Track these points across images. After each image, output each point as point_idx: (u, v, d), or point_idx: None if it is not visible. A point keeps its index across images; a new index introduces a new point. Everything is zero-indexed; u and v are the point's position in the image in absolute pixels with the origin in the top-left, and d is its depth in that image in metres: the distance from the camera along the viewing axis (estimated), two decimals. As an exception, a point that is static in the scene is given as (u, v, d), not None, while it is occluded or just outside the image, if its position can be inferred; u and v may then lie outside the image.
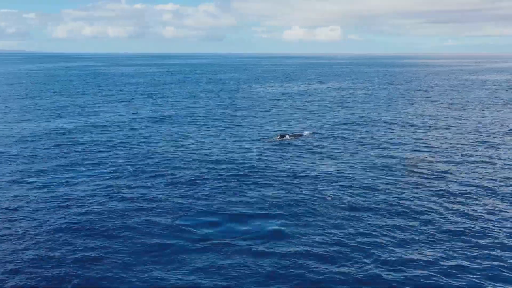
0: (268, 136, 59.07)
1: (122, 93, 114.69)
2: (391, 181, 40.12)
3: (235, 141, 56.86)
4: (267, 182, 39.79)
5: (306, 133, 60.37)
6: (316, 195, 36.23)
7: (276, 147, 53.43)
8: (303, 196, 36.03)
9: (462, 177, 41.67)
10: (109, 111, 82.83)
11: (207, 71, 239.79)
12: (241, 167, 44.08)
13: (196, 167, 44.21)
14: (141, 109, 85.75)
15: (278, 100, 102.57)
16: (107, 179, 40.66)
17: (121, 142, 55.51)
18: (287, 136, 57.65)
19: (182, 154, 49.67)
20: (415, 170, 44.42)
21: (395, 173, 43.10)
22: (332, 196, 35.74)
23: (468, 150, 51.75)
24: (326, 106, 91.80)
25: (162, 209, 33.56)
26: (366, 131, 62.96)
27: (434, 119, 73.75)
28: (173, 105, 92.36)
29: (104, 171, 43.18)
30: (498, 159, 48.12)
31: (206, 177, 41.06)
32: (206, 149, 52.01)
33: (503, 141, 56.99)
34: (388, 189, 37.84)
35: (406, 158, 48.45)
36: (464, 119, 74.09)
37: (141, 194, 36.66)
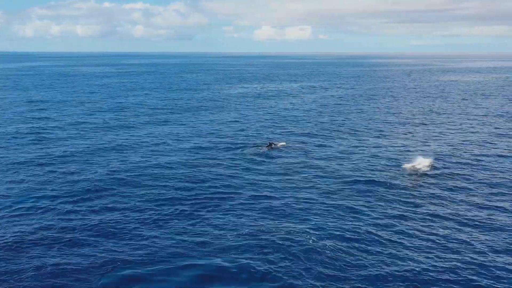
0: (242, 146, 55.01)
1: (73, 96, 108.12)
2: (401, 192, 36.67)
3: (202, 153, 52.45)
4: (241, 209, 35.44)
5: (281, 143, 55.77)
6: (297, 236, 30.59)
7: (256, 160, 49.27)
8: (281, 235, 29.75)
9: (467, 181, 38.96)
10: (50, 117, 76.11)
11: (174, 72, 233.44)
12: (210, 187, 39.79)
13: (151, 190, 39.28)
14: (90, 117, 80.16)
15: (248, 102, 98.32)
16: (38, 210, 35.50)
17: (53, 159, 49.95)
18: (264, 148, 53.39)
19: (136, 169, 44.98)
20: (416, 178, 42.00)
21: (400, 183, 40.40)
22: (312, 239, 28.73)
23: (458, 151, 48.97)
24: (301, 110, 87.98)
25: (87, 261, 26.26)
26: (345, 138, 59.52)
27: (412, 122, 70.98)
28: (128, 109, 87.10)
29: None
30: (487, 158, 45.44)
31: (163, 203, 35.77)
32: (167, 163, 47.43)
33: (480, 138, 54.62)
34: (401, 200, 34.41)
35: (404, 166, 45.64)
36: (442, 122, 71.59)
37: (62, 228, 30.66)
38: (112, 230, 30.09)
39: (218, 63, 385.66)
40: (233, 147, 54.31)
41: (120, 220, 31.47)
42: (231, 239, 28.51)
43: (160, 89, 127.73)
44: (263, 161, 47.86)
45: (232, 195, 36.86)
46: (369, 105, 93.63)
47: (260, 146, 54.54)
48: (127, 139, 58.43)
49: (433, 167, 44.40)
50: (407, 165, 44.95)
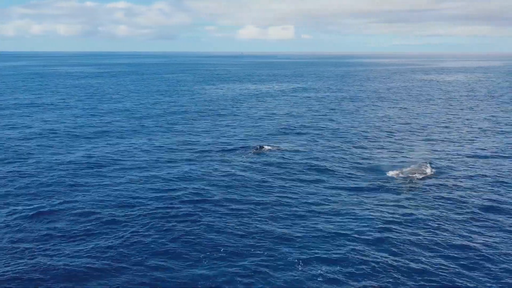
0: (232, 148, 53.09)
1: (43, 99, 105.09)
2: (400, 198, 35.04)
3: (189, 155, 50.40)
4: (219, 218, 33.62)
5: (268, 147, 53.81)
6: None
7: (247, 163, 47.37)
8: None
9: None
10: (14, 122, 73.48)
11: (154, 72, 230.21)
12: (192, 194, 37.85)
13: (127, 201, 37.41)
14: (63, 119, 77.55)
15: (231, 104, 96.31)
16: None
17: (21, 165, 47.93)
18: (250, 152, 51.66)
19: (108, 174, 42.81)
20: (412, 184, 40.59)
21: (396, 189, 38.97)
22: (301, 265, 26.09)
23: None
24: (285, 112, 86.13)
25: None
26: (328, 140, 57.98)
27: (400, 123, 69.79)
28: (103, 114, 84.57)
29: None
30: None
31: (135, 220, 33.96)
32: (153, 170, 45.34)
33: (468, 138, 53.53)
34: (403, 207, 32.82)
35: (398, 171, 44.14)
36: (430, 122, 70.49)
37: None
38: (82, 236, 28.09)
39: (200, 63, 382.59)
40: (217, 151, 52.40)
41: (94, 229, 29.48)
42: (205, 263, 26.39)
43: (139, 91, 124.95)
44: (250, 166, 46.05)
45: (211, 202, 35.01)
46: (353, 107, 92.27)
47: (246, 150, 52.73)
48: (100, 148, 56.05)
49: (420, 172, 42.84)
50: (392, 172, 43.47)
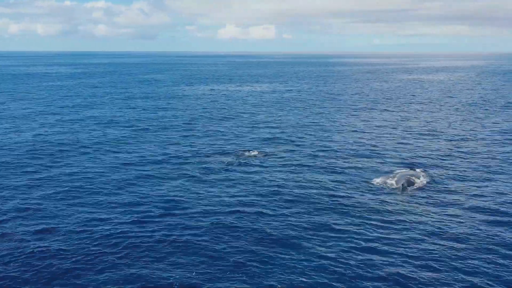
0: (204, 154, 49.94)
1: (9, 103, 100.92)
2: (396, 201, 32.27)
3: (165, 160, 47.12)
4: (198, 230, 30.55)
5: (253, 153, 50.72)
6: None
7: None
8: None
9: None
10: None
11: (130, 72, 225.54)
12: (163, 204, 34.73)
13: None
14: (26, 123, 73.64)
15: (212, 106, 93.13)
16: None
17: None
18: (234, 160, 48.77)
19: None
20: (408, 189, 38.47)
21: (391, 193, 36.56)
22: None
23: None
24: (268, 114, 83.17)
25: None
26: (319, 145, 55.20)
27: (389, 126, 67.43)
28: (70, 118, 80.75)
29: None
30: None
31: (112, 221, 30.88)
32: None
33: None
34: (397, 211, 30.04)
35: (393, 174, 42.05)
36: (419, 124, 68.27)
37: None
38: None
39: (180, 62, 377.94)
40: (197, 156, 49.43)
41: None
42: None
43: (113, 94, 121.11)
44: (233, 174, 43.17)
45: (192, 211, 31.99)
46: (335, 109, 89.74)
47: (229, 155, 49.77)
48: (62, 168, 52.46)
49: (408, 178, 40.25)
50: (378, 179, 40.89)
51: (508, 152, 51.66)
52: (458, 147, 54.23)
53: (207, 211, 33.60)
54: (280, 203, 35.25)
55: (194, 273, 24.56)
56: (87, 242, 28.22)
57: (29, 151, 51.15)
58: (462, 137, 60.50)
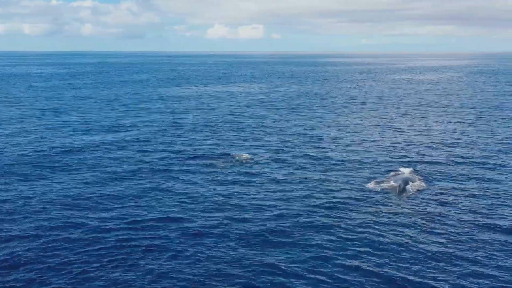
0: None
1: None
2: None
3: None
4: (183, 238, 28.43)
5: (244, 156, 48.37)
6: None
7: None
8: None
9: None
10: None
11: (120, 73, 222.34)
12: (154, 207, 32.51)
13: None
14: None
15: (198, 107, 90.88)
16: None
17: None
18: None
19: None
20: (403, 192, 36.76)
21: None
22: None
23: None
24: (257, 115, 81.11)
25: None
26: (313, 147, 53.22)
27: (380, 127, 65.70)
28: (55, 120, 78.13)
29: None
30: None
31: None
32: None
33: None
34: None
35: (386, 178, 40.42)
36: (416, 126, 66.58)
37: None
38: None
39: (168, 62, 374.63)
40: (186, 159, 47.42)
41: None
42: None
43: (97, 95, 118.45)
44: (225, 178, 41.24)
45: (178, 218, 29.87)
46: (324, 109, 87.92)
47: (217, 159, 47.64)
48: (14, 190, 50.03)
49: (402, 181, 38.40)
50: (371, 184, 39.05)
51: (501, 152, 50.13)
52: (451, 148, 52.56)
53: (195, 216, 31.55)
54: (270, 209, 33.23)
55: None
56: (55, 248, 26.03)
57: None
58: (455, 138, 58.87)
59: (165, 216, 32.15)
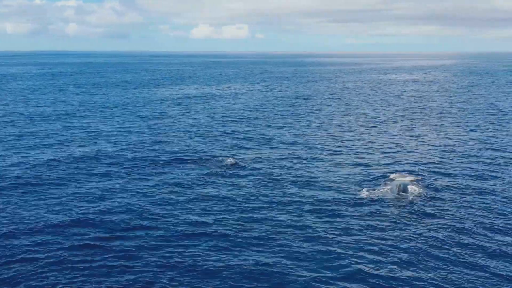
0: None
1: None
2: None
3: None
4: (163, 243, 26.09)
5: (229, 159, 46.36)
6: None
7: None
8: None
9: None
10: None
11: (102, 73, 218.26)
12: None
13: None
14: None
15: (182, 108, 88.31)
16: None
17: None
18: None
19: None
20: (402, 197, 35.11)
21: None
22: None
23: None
24: (242, 117, 78.72)
25: None
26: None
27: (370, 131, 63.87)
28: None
29: None
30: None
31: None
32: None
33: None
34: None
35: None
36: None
37: None
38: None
39: (152, 62, 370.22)
40: (168, 164, 45.04)
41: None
42: None
43: (78, 97, 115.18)
44: (209, 182, 39.18)
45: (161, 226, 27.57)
46: (311, 111, 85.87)
47: (200, 163, 45.36)
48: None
49: (396, 187, 36.51)
50: (365, 191, 37.06)
51: (490, 155, 48.60)
52: (444, 151, 50.93)
53: (179, 223, 29.31)
54: (258, 220, 31.09)
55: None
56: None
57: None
58: (447, 141, 57.29)
59: (139, 223, 29.90)
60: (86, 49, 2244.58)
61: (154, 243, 27.62)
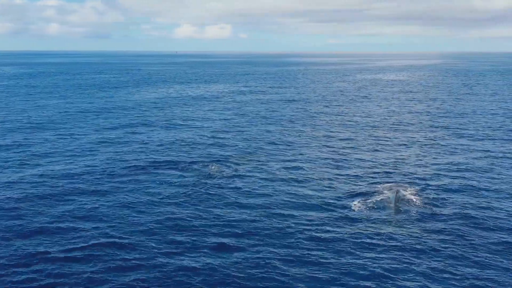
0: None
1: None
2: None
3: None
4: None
5: (214, 166, 43.65)
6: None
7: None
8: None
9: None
10: None
11: (82, 73, 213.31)
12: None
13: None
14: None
15: (162, 111, 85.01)
16: None
17: None
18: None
19: None
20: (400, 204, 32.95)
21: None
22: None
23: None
24: (226, 120, 75.70)
25: None
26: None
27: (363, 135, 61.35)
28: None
29: None
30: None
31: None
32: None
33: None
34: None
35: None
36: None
37: None
38: None
39: (134, 62, 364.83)
40: (150, 170, 42.30)
41: None
42: None
43: (52, 98, 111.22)
44: (193, 191, 36.43)
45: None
46: (295, 114, 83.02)
47: (182, 170, 42.48)
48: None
49: (391, 198, 33.95)
50: (357, 203, 34.39)
51: (486, 161, 46.40)
52: (435, 158, 48.64)
53: (163, 230, 26.33)
54: (240, 235, 28.25)
55: None
56: None
57: None
58: (440, 147, 55.03)
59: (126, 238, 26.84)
60: (67, 49, 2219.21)
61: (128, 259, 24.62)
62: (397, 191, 34.63)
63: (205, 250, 26.59)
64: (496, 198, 36.03)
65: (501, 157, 48.64)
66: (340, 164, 46.20)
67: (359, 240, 27.92)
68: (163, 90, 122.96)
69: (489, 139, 58.09)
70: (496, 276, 24.05)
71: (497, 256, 26.21)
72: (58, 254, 26.03)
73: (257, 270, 24.29)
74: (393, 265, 24.91)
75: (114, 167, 43.67)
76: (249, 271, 24.19)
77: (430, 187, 38.20)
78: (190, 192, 36.48)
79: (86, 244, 27.27)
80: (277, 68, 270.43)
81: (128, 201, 34.68)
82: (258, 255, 25.90)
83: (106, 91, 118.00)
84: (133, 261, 25.20)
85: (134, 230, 29.33)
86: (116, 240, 27.87)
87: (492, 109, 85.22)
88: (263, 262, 25.08)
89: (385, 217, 31.35)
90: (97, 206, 33.57)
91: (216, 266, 24.71)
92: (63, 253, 26.08)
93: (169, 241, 27.78)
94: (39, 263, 24.97)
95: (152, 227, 29.83)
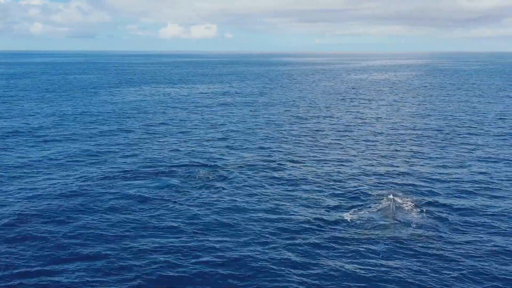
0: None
1: None
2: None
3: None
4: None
5: (203, 172, 41.26)
6: None
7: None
8: None
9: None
10: None
11: (67, 73, 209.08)
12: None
13: None
14: None
15: (148, 113, 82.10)
16: None
17: None
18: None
19: None
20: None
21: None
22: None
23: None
24: (213, 124, 73.04)
25: None
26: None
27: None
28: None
29: None
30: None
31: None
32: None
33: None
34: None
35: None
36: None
37: None
38: None
39: (118, 62, 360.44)
40: (139, 175, 40.32)
41: None
42: None
43: (33, 98, 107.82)
44: (183, 196, 34.72)
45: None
46: (282, 116, 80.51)
47: (168, 176, 40.18)
48: None
49: (386, 210, 31.79)
50: (349, 214, 32.10)
51: (479, 168, 44.45)
52: (429, 164, 46.61)
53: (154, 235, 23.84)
54: (223, 249, 25.82)
55: None
56: None
57: None
58: (432, 152, 53.08)
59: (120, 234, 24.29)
60: (52, 48, 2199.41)
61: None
62: (393, 199, 32.82)
63: (199, 253, 24.26)
64: (491, 202, 34.80)
65: (495, 161, 46.91)
66: (336, 168, 43.95)
67: (353, 248, 26.46)
68: (145, 90, 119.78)
69: (483, 143, 56.34)
70: (492, 281, 23.03)
71: (492, 261, 25.16)
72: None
73: (249, 273, 22.54)
74: (391, 272, 23.35)
75: (90, 176, 40.93)
76: (240, 274, 22.45)
77: (424, 194, 36.32)
78: (178, 198, 34.41)
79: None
80: (264, 68, 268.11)
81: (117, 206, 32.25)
82: (251, 259, 24.07)
83: (86, 92, 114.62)
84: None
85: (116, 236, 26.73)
86: (91, 250, 25.29)
87: (480, 111, 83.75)
88: (257, 265, 23.50)
89: (382, 223, 29.60)
90: (72, 216, 30.87)
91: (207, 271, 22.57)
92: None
93: (158, 246, 25.59)
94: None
95: (133, 230, 27.27)
